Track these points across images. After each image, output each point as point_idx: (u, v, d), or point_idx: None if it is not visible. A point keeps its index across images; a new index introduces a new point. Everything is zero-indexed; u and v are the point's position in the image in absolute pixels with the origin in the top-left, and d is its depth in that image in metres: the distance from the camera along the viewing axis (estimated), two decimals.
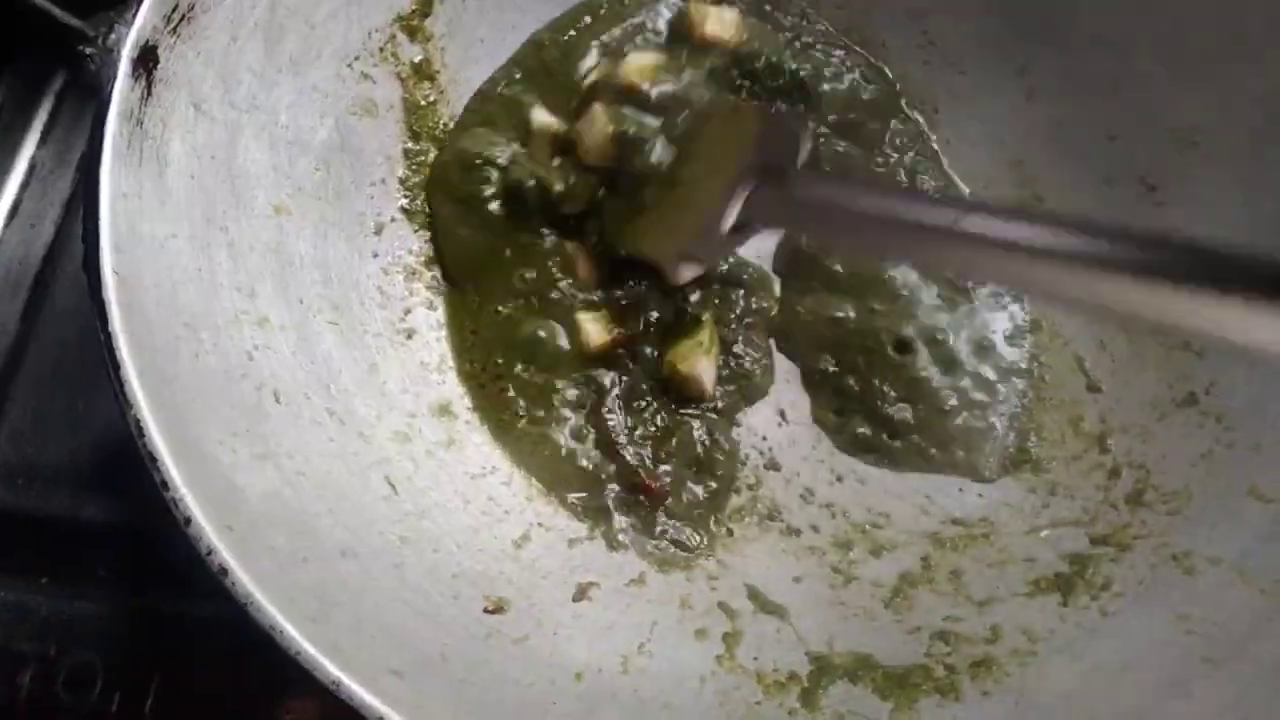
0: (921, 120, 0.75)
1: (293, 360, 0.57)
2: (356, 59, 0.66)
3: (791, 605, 0.61)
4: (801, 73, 0.72)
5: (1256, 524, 0.55)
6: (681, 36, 0.72)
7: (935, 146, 0.75)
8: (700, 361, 0.66)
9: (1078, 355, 0.68)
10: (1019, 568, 0.61)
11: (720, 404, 0.67)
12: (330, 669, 0.41)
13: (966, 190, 0.74)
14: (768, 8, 0.75)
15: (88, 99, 0.52)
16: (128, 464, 0.45)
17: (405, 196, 0.69)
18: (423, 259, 0.69)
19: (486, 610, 0.54)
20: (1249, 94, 0.64)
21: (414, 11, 0.69)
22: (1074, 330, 0.69)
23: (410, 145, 0.69)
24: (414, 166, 0.69)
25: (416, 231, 0.69)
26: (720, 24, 0.71)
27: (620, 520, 0.63)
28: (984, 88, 0.74)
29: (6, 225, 0.80)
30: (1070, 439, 0.65)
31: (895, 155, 0.75)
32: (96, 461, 0.71)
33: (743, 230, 0.62)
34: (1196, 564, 0.56)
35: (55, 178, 0.82)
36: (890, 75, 0.75)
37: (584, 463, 0.65)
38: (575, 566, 0.61)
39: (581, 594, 0.59)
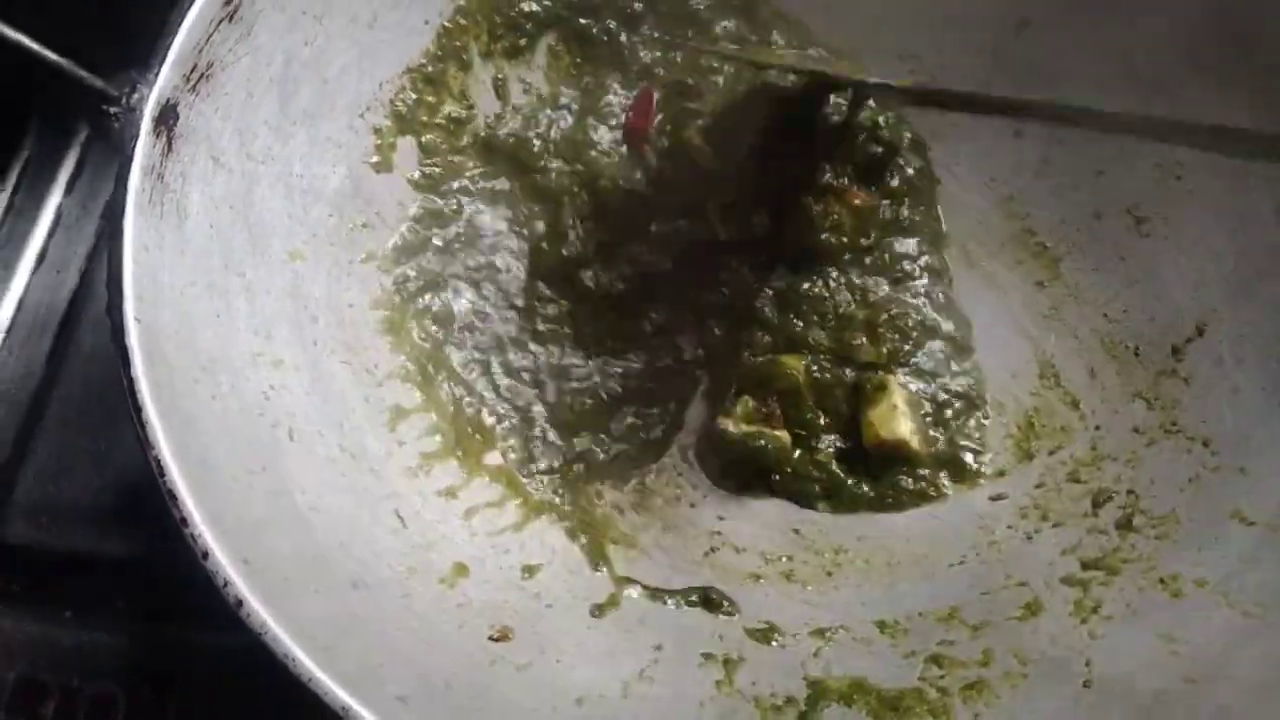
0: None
1: (307, 400, 0.59)
2: (368, 109, 0.69)
3: (793, 631, 0.62)
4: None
5: (1240, 546, 0.56)
6: None
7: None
8: (901, 424, 0.69)
9: (1070, 384, 0.70)
10: (1012, 593, 0.62)
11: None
12: (340, 695, 0.43)
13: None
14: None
15: (112, 152, 0.55)
16: (148, 500, 0.48)
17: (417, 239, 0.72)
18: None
19: (491, 639, 0.56)
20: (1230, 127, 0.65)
21: (423, 64, 0.72)
22: (1064, 359, 0.70)
23: (421, 189, 0.72)
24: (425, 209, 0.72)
25: None
26: None
27: None
28: (973, 126, 0.76)
29: (34, 272, 0.83)
30: (1061, 466, 0.67)
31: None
32: (118, 499, 0.74)
33: None
34: (1183, 587, 0.57)
35: (80, 226, 0.85)
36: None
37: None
38: (579, 596, 0.63)
39: (601, 612, 0.62)
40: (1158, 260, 0.69)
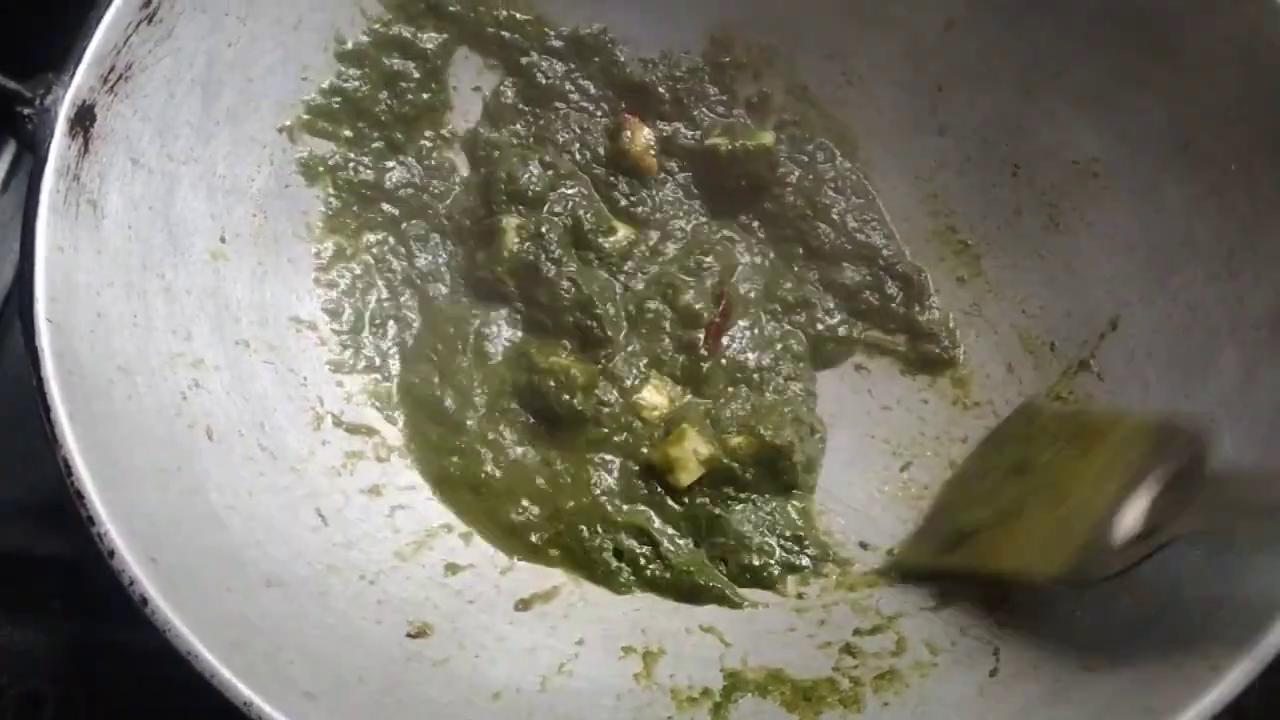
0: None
1: (227, 400, 0.60)
2: (294, 109, 0.70)
3: (715, 623, 0.64)
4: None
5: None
6: None
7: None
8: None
9: (988, 379, 0.72)
10: (928, 582, 0.63)
11: None
12: (242, 690, 0.44)
13: (889, 217, 0.77)
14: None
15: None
16: None
17: (344, 238, 0.72)
18: None
19: (409, 635, 0.56)
20: (1145, 127, 0.67)
21: None
22: (983, 355, 0.72)
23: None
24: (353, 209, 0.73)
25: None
26: None
27: None
28: (900, 125, 0.77)
29: None
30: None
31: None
32: (52, 498, 0.73)
33: (1146, 539, 0.53)
34: None
35: (14, 224, 0.84)
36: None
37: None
38: (504, 591, 0.63)
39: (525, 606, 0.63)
40: (1074, 256, 0.71)
